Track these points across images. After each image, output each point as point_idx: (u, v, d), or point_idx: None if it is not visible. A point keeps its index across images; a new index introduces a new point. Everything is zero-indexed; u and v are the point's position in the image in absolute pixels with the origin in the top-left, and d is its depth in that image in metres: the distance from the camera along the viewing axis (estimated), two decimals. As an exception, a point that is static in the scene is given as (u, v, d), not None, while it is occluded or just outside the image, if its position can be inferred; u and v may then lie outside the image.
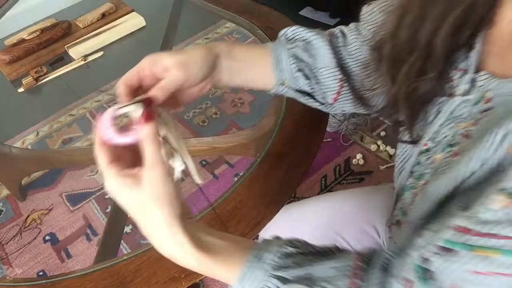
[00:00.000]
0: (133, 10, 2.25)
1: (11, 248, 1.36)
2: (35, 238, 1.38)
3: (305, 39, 0.60)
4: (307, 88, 0.60)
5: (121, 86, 0.53)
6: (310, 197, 0.84)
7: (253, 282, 0.42)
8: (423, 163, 0.51)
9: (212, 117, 1.68)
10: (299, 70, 0.59)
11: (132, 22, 2.18)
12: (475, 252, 0.34)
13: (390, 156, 1.47)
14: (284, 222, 0.78)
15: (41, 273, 1.29)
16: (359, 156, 1.47)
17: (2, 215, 1.46)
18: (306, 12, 2.09)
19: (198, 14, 2.15)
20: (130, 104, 0.46)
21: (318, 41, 0.59)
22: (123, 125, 0.45)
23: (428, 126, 0.49)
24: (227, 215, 0.66)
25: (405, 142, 0.53)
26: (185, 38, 2.06)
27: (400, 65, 0.46)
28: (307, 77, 0.59)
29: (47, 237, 1.38)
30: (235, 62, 0.56)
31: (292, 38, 0.61)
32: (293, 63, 0.58)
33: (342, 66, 0.60)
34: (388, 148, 1.48)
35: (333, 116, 1.52)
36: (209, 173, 1.48)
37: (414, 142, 0.52)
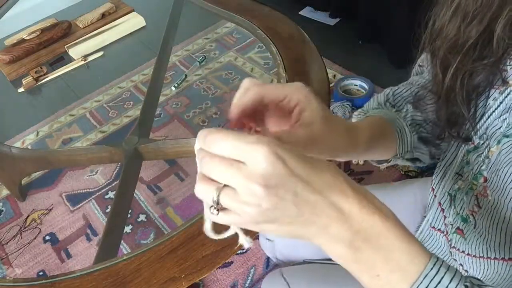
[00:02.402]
0: (133, 10, 2.26)
1: (11, 248, 1.36)
2: (35, 238, 1.38)
3: (407, 99, 0.59)
4: (425, 154, 0.59)
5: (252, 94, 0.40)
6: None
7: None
8: (473, 161, 0.50)
9: (212, 117, 1.68)
10: (420, 138, 0.57)
11: (132, 22, 2.18)
12: None
13: (390, 156, 1.46)
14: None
15: (41, 273, 1.29)
16: (359, 156, 1.47)
17: (2, 215, 1.46)
18: (306, 12, 2.09)
19: (198, 14, 2.15)
20: None
21: (417, 91, 0.58)
22: None
23: (475, 122, 0.48)
24: (227, 215, 0.66)
25: (458, 139, 0.50)
26: (185, 38, 2.06)
27: (455, 55, 0.45)
28: (426, 143, 0.58)
29: (47, 237, 1.38)
30: (372, 142, 0.51)
31: (396, 104, 0.59)
32: (415, 134, 0.56)
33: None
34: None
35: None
36: (209, 173, 1.48)
37: (467, 139, 0.50)
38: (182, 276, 0.60)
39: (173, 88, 1.81)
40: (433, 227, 0.62)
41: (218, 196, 0.32)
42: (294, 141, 0.39)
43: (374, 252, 0.32)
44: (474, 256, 0.52)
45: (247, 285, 1.21)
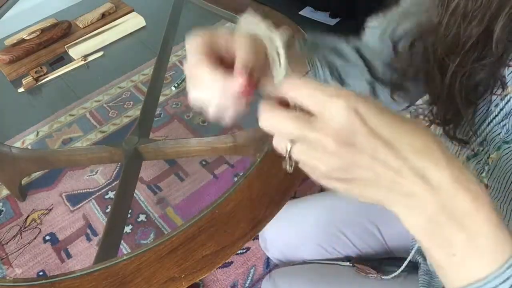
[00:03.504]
0: (133, 10, 2.26)
1: (11, 248, 1.36)
2: (35, 238, 1.38)
3: (331, 46, 0.59)
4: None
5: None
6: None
7: None
8: (473, 169, 0.49)
9: (212, 117, 1.68)
10: (333, 77, 0.57)
11: (132, 22, 2.18)
12: None
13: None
14: (285, 220, 0.78)
15: (41, 273, 1.29)
16: (359, 156, 1.47)
17: (2, 215, 1.46)
18: (306, 12, 2.09)
19: (198, 14, 2.15)
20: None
21: (344, 46, 0.59)
22: None
23: (475, 129, 0.48)
24: (227, 215, 0.66)
25: (453, 139, 0.50)
26: (185, 38, 2.06)
27: (454, 56, 0.45)
28: (341, 83, 0.57)
29: (47, 237, 1.38)
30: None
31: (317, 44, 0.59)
32: (328, 70, 0.56)
33: (369, 66, 0.57)
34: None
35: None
36: (209, 173, 1.48)
37: (465, 141, 0.49)
38: (182, 276, 0.60)
39: (173, 88, 1.81)
40: None
41: (290, 150, 0.31)
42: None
43: (456, 231, 0.30)
44: None
45: (247, 285, 1.21)
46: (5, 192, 1.52)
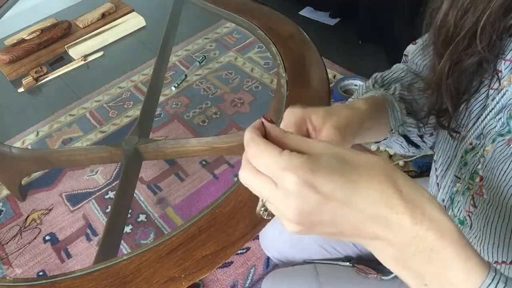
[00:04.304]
0: (133, 10, 2.25)
1: (11, 248, 1.36)
2: (35, 238, 1.38)
3: (396, 80, 0.61)
4: (414, 129, 0.60)
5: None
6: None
7: None
8: (470, 162, 0.50)
9: (212, 117, 1.68)
10: (408, 113, 0.59)
11: (132, 22, 2.18)
12: None
13: (390, 156, 1.47)
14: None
15: (41, 273, 1.29)
16: (359, 156, 1.47)
17: (2, 215, 1.46)
18: (306, 12, 2.09)
19: (198, 14, 2.15)
20: None
21: (407, 76, 0.61)
22: None
23: (472, 123, 0.49)
24: (227, 215, 0.66)
25: (444, 128, 0.52)
26: (185, 38, 2.06)
27: (448, 45, 0.46)
28: (414, 118, 0.59)
29: (47, 237, 1.38)
30: (372, 122, 0.54)
31: (384, 84, 0.62)
32: (403, 108, 0.58)
33: None
34: (388, 148, 1.48)
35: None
36: (209, 173, 1.48)
37: (456, 131, 0.51)
38: (182, 276, 0.60)
39: (173, 88, 1.81)
40: None
41: (264, 202, 0.34)
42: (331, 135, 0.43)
43: (424, 266, 0.31)
44: None
45: (247, 285, 1.21)
46: (5, 192, 1.52)
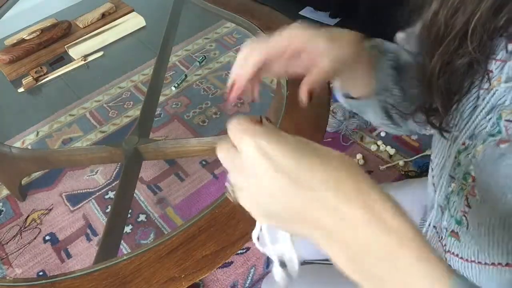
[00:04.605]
0: (133, 10, 2.26)
1: (11, 248, 1.36)
2: (35, 238, 1.38)
3: (396, 51, 0.61)
4: (398, 100, 0.59)
5: (256, 58, 0.46)
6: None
7: None
8: (463, 162, 0.50)
9: (212, 117, 1.68)
10: (396, 84, 0.58)
11: (132, 22, 2.18)
12: None
13: (390, 156, 1.47)
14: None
15: (41, 273, 1.29)
16: (359, 156, 1.47)
17: (2, 215, 1.46)
18: (306, 12, 2.09)
19: (198, 14, 2.15)
20: None
21: (406, 55, 0.60)
22: None
23: (464, 123, 0.49)
24: (227, 215, 0.66)
25: (435, 127, 0.52)
26: (185, 38, 2.06)
27: (439, 45, 0.46)
28: (401, 90, 0.59)
29: (47, 237, 1.38)
30: (356, 64, 0.54)
31: (383, 51, 0.61)
32: (391, 75, 0.58)
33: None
34: (388, 148, 1.48)
35: (333, 116, 1.52)
36: (209, 173, 1.48)
37: (446, 130, 0.51)
38: (182, 276, 0.60)
39: (173, 88, 1.81)
40: (434, 227, 0.62)
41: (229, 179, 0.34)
42: (318, 75, 0.45)
43: (382, 271, 0.28)
44: (466, 260, 0.52)
45: (247, 285, 1.21)
46: (5, 192, 1.52)
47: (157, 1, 2.33)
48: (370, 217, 0.28)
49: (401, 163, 1.44)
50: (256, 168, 0.30)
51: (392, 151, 1.47)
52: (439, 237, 0.59)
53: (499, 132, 0.45)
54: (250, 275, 1.22)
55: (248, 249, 1.27)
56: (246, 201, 0.33)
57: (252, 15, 1.08)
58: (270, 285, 0.78)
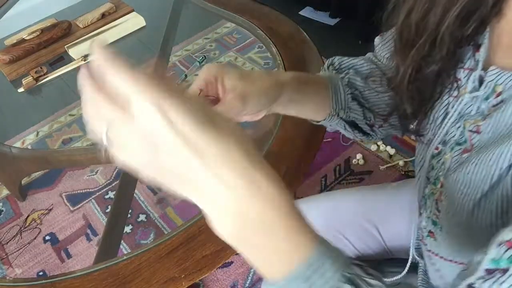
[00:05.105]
0: (133, 10, 2.25)
1: (11, 248, 1.36)
2: (35, 238, 1.38)
3: (352, 66, 0.62)
4: (359, 116, 0.61)
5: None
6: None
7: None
8: (436, 167, 0.51)
9: (212, 117, 1.68)
10: (354, 99, 0.60)
11: (132, 22, 2.18)
12: None
13: (390, 156, 1.47)
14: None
15: (41, 273, 1.29)
16: (359, 156, 1.47)
17: (2, 215, 1.46)
18: (306, 12, 2.09)
19: (198, 14, 2.15)
20: None
21: (366, 65, 0.61)
22: None
23: (437, 128, 0.50)
24: (227, 215, 0.66)
25: (410, 133, 0.53)
26: (185, 38, 2.06)
27: (409, 50, 0.47)
28: (360, 105, 0.60)
29: (47, 237, 1.38)
30: (298, 95, 0.55)
31: (339, 68, 0.63)
32: (349, 93, 0.59)
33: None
34: (388, 148, 1.48)
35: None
36: (209, 173, 1.48)
37: (419, 135, 0.52)
38: (182, 276, 0.60)
39: (173, 88, 1.81)
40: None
41: (106, 133, 0.31)
42: (228, 107, 0.44)
43: (259, 237, 0.30)
44: (445, 259, 0.53)
45: (247, 285, 1.21)
46: (5, 192, 1.52)
47: (157, 1, 2.32)
48: (249, 185, 0.29)
49: (401, 163, 1.44)
50: (148, 125, 0.28)
51: (392, 151, 1.47)
52: (420, 236, 0.60)
53: (465, 141, 0.45)
54: (250, 275, 1.22)
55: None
56: (130, 158, 0.31)
57: (252, 15, 1.08)
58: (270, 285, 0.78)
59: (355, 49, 1.86)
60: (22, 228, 1.41)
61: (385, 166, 1.44)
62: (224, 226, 0.31)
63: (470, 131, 0.45)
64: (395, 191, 0.77)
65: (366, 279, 0.31)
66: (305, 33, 1.00)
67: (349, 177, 1.43)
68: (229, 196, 0.29)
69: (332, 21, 2.01)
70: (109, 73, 0.30)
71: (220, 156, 0.29)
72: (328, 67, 0.64)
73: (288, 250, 0.30)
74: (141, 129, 0.28)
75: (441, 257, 0.54)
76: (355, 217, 0.76)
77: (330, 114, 0.60)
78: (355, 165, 1.46)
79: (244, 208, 0.29)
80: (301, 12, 2.09)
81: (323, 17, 2.03)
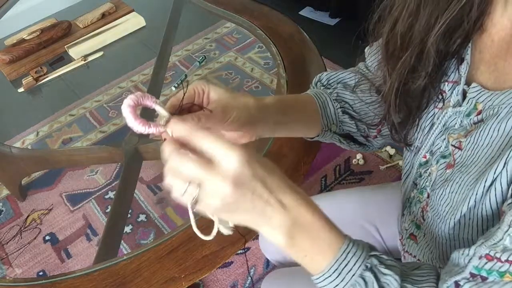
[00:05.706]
0: (133, 10, 2.25)
1: (11, 248, 1.36)
2: (35, 238, 1.38)
3: (341, 80, 0.62)
4: (353, 128, 0.61)
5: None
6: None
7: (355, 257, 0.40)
8: (423, 175, 0.52)
9: (212, 117, 1.68)
10: (344, 112, 0.60)
11: (132, 22, 2.18)
12: (505, 278, 0.35)
13: (390, 156, 1.47)
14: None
15: (41, 273, 1.29)
16: (359, 156, 1.47)
17: (2, 215, 1.46)
18: (306, 12, 2.09)
19: (198, 14, 2.15)
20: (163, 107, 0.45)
21: (354, 77, 0.61)
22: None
23: (425, 137, 0.50)
24: (227, 215, 0.66)
25: (397, 142, 0.54)
26: (185, 38, 2.06)
27: (395, 62, 0.47)
28: (352, 118, 0.61)
29: (47, 237, 1.38)
30: (284, 117, 0.55)
31: (328, 84, 0.63)
32: (338, 108, 0.60)
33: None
34: (388, 148, 1.48)
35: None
36: (209, 173, 1.48)
37: (408, 144, 0.53)
38: (182, 276, 0.60)
39: (173, 88, 1.81)
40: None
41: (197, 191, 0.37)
42: (210, 115, 0.47)
43: (305, 239, 0.39)
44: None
45: (247, 285, 1.21)
46: (5, 192, 1.52)
47: (157, 1, 2.32)
48: (297, 202, 0.39)
49: (401, 163, 1.43)
50: (240, 173, 0.36)
51: (392, 151, 1.47)
52: (400, 237, 0.60)
53: (449, 154, 0.46)
54: (250, 275, 1.22)
55: (248, 249, 1.27)
56: (214, 209, 0.39)
57: (252, 15, 1.08)
58: (270, 285, 0.78)
59: (355, 49, 1.85)
60: (22, 228, 1.41)
61: (385, 166, 1.44)
62: (280, 237, 0.39)
63: (453, 146, 0.46)
64: (395, 191, 0.77)
65: (381, 268, 0.39)
66: (305, 33, 1.00)
67: (349, 177, 1.43)
68: (286, 213, 0.39)
69: (332, 21, 2.01)
70: (197, 138, 0.37)
71: (281, 187, 0.39)
72: (316, 84, 0.64)
73: (328, 246, 0.40)
74: (234, 179, 0.35)
75: (419, 260, 0.55)
76: (354, 217, 0.76)
77: (322, 129, 0.60)
78: (355, 165, 1.46)
79: (296, 219, 0.39)
80: (301, 12, 2.09)
81: (323, 17, 2.03)
